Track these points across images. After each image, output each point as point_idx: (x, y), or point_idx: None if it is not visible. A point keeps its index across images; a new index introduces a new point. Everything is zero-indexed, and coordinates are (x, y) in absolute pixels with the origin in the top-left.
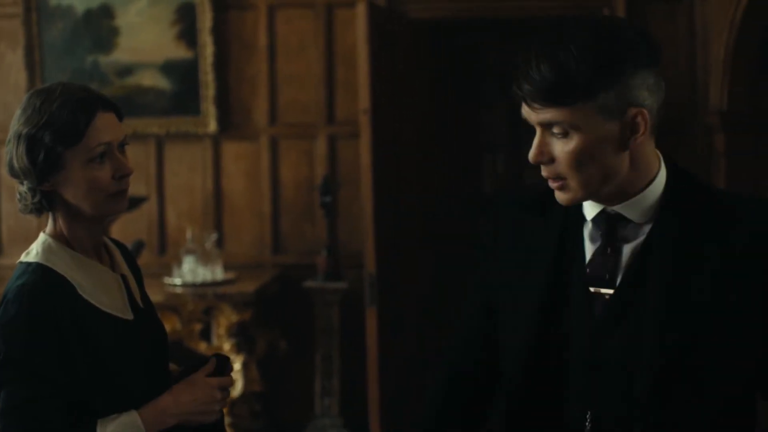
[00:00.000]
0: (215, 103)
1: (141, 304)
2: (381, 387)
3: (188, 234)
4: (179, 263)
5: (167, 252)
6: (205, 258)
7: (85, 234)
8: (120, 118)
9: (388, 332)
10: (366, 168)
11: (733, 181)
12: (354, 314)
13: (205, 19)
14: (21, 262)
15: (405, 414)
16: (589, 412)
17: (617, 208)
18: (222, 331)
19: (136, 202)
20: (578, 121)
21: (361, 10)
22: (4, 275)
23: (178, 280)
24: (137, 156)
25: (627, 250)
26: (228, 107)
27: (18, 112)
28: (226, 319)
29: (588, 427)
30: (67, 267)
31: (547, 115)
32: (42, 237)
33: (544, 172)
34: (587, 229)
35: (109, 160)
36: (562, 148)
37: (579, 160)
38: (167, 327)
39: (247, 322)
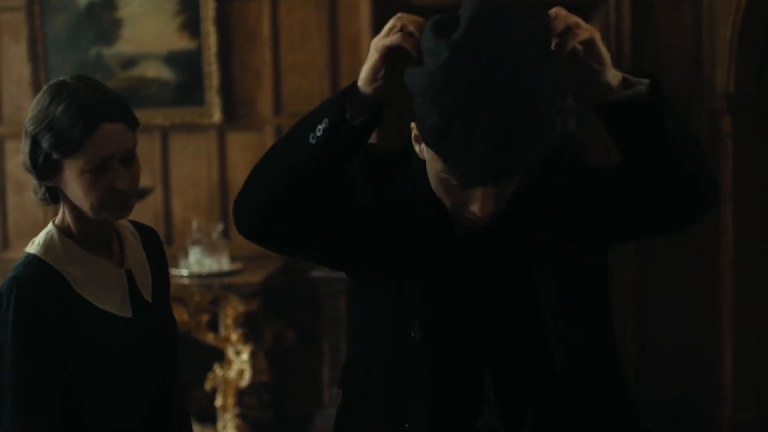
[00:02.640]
0: (219, 94)
1: (149, 299)
2: None
3: (194, 225)
4: (185, 254)
5: (173, 243)
6: (211, 249)
7: (89, 228)
8: (132, 126)
9: None
10: None
11: (739, 164)
12: None
13: (208, 9)
14: (25, 253)
15: None
16: (485, 365)
17: None
18: (229, 321)
19: (141, 194)
20: None
21: None
22: (10, 269)
23: (184, 271)
24: (142, 147)
25: None
26: (232, 97)
27: (33, 102)
28: (233, 309)
29: (487, 380)
30: (64, 261)
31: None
32: (48, 227)
33: (486, 206)
34: None
35: (106, 171)
36: (509, 186)
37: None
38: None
39: (254, 312)
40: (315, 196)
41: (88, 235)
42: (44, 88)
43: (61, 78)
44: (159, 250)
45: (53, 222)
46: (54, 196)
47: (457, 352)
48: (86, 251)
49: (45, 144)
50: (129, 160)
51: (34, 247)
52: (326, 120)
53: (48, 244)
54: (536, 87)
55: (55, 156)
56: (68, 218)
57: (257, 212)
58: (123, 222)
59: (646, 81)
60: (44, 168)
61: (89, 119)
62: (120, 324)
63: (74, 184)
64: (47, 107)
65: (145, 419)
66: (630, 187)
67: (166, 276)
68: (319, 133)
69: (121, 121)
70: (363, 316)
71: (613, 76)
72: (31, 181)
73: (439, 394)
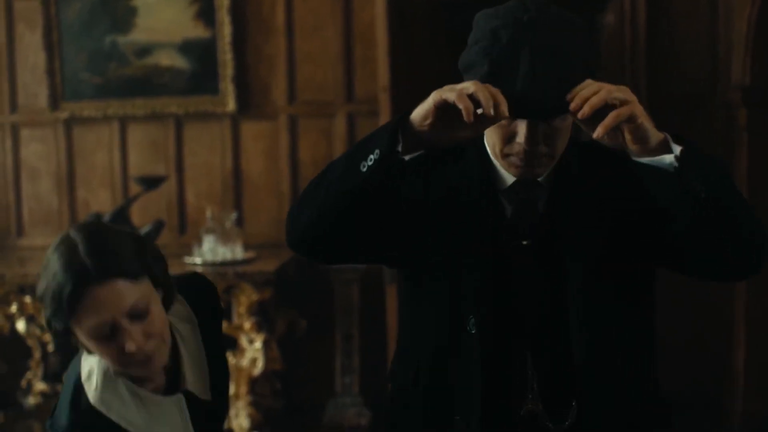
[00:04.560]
0: (234, 83)
1: (208, 397)
2: None
3: (208, 213)
4: (199, 243)
5: (187, 231)
6: (225, 237)
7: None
8: (136, 276)
9: None
10: None
11: (754, 157)
12: (374, 293)
13: None
14: (76, 386)
15: None
16: (528, 353)
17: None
18: (242, 309)
19: (155, 182)
20: None
21: None
22: (24, 256)
23: (198, 260)
24: (156, 136)
25: (539, 204)
26: (246, 86)
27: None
28: (246, 298)
29: (530, 368)
30: (121, 407)
31: (555, 121)
32: (102, 363)
33: (524, 154)
34: (501, 193)
35: (116, 333)
36: (556, 127)
37: (563, 140)
38: None
39: (267, 301)
40: (366, 216)
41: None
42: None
43: (69, 231)
44: (214, 305)
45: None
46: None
47: (507, 342)
48: (142, 389)
49: (47, 312)
50: (139, 315)
51: (91, 388)
52: (377, 151)
53: (105, 388)
54: (573, 51)
55: (56, 323)
56: None
57: (309, 230)
58: None
59: (676, 149)
60: (56, 332)
61: (75, 283)
62: None
63: (91, 348)
64: (46, 266)
65: None
66: (671, 237)
67: (219, 329)
68: (370, 163)
69: (118, 278)
70: (415, 310)
71: (655, 139)
72: None
73: (489, 385)
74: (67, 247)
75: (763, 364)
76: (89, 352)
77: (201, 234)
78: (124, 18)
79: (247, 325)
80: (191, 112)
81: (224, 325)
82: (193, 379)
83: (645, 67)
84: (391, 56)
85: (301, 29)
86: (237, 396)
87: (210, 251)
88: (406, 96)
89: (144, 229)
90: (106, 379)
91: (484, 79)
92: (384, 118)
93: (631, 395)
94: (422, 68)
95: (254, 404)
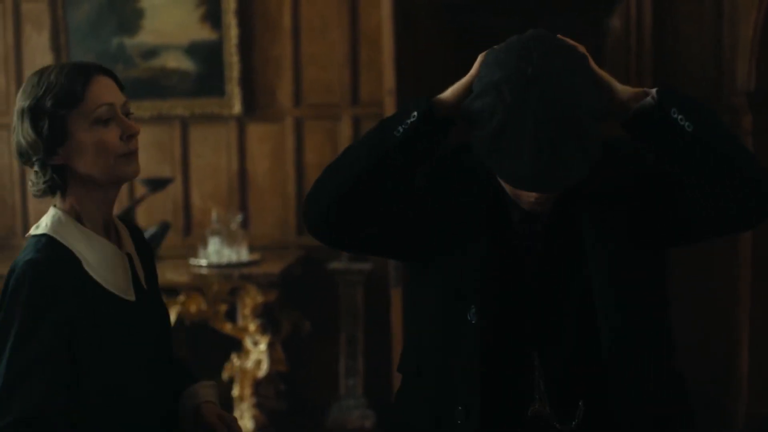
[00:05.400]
0: (240, 85)
1: (144, 286)
2: None
3: (213, 215)
4: (204, 244)
5: (192, 233)
6: (230, 239)
7: (95, 209)
8: (121, 88)
9: None
10: None
11: (759, 162)
12: (378, 295)
13: (230, 1)
14: (31, 236)
15: None
16: (536, 353)
17: None
18: (247, 311)
19: (161, 184)
20: None
21: None
22: None
23: (203, 261)
24: (162, 138)
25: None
26: (252, 89)
27: (18, 94)
28: (251, 299)
29: (537, 368)
30: (75, 240)
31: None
32: (52, 210)
33: (538, 200)
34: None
35: (114, 122)
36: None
37: None
38: (193, 308)
39: (272, 303)
40: (386, 190)
41: (93, 217)
42: (27, 77)
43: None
44: (144, 242)
45: (54, 206)
46: (61, 177)
47: (510, 337)
48: (94, 233)
49: (48, 105)
50: (126, 114)
51: (42, 228)
52: (415, 113)
53: (57, 224)
54: (577, 102)
55: (61, 112)
56: (72, 200)
57: (328, 205)
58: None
59: (653, 91)
60: (51, 133)
61: (83, 71)
62: (125, 307)
63: (84, 144)
64: (38, 81)
65: (146, 401)
66: (683, 191)
67: (154, 267)
68: (405, 127)
69: (111, 78)
70: (420, 299)
71: (624, 92)
72: (30, 175)
73: (492, 378)
74: (55, 65)
75: (766, 367)
76: (57, 188)
77: (206, 236)
78: (131, 20)
79: (251, 326)
80: (197, 114)
81: (229, 326)
82: (132, 256)
83: (650, 71)
84: (396, 59)
85: (307, 32)
86: (241, 397)
87: (215, 253)
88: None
89: (150, 231)
90: (58, 220)
91: (489, 147)
92: None
93: (646, 394)
94: (428, 71)
95: (258, 406)
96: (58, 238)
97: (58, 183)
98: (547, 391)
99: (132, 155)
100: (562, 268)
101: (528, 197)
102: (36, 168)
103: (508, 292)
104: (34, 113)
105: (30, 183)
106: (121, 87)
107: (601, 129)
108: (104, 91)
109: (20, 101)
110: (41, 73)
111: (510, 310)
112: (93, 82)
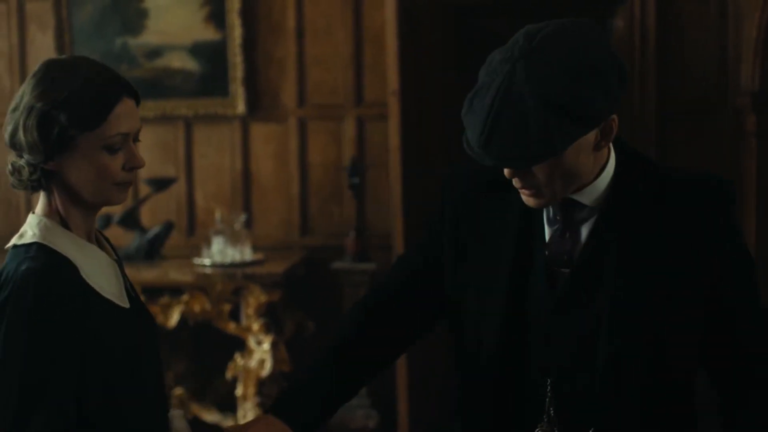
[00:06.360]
0: (244, 85)
1: (132, 293)
2: (409, 368)
3: (217, 215)
4: (208, 244)
5: (196, 233)
6: (234, 239)
7: (80, 217)
8: (138, 104)
9: None
10: (394, 149)
11: (763, 163)
12: None
13: (234, 1)
14: (16, 246)
15: (433, 395)
16: (549, 380)
17: (573, 196)
18: (251, 311)
19: (165, 184)
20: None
21: None
22: None
23: (207, 261)
24: (166, 138)
25: (584, 231)
26: (256, 89)
27: (31, 81)
28: (255, 299)
29: (549, 395)
30: (66, 248)
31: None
32: (35, 218)
33: (518, 183)
34: (545, 213)
35: (122, 150)
36: (542, 168)
37: (560, 175)
38: (197, 307)
39: (276, 302)
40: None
41: (79, 224)
42: (44, 64)
43: (57, 57)
44: (114, 249)
45: (34, 213)
46: (48, 180)
47: (525, 364)
48: (84, 240)
49: (63, 118)
50: (136, 140)
51: (29, 236)
52: None
53: (46, 232)
54: (552, 89)
55: (72, 131)
56: (58, 206)
57: None
58: None
59: None
60: (57, 144)
61: (112, 93)
62: (122, 314)
63: (86, 163)
64: (60, 83)
65: (148, 406)
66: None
67: (126, 277)
68: None
69: (134, 99)
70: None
71: None
72: (14, 163)
73: (504, 397)
74: (85, 69)
75: None
76: (40, 188)
77: (210, 235)
78: (135, 20)
79: (255, 326)
80: (201, 114)
81: (233, 326)
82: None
83: (654, 71)
84: (400, 60)
85: (311, 32)
86: (245, 397)
87: (219, 253)
88: (415, 100)
89: (153, 231)
90: (45, 227)
91: (466, 107)
92: (393, 121)
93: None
94: (432, 72)
95: (262, 405)
96: (50, 245)
97: (44, 185)
98: (558, 417)
99: (128, 185)
100: (583, 308)
101: (516, 185)
102: (23, 163)
103: (527, 323)
104: (44, 118)
105: (9, 169)
106: (138, 103)
107: (577, 133)
108: (123, 120)
109: (32, 96)
110: (64, 72)
111: (526, 340)
112: (118, 107)
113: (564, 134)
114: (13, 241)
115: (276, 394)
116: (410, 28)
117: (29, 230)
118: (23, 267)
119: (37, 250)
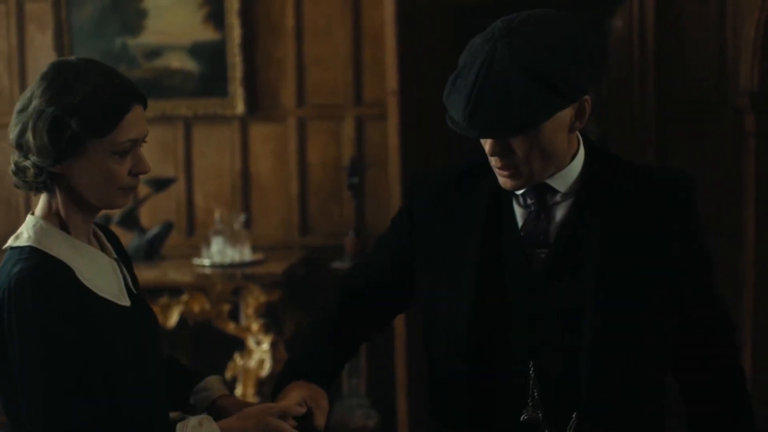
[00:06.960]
0: (243, 85)
1: (134, 290)
2: (408, 368)
3: (216, 215)
4: (208, 244)
5: (195, 233)
6: (233, 239)
7: (80, 219)
8: (146, 108)
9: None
10: (394, 149)
11: (762, 163)
12: None
13: (233, 1)
14: (11, 248)
15: None
16: (531, 362)
17: (547, 181)
18: (250, 311)
19: (164, 184)
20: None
21: None
22: None
23: (206, 261)
24: (165, 138)
25: (558, 213)
26: (256, 89)
27: (41, 83)
28: (254, 299)
29: (532, 377)
30: (61, 250)
31: (515, 140)
32: (32, 219)
33: (497, 162)
34: (515, 199)
35: (130, 155)
36: (522, 143)
37: (538, 152)
38: (196, 307)
39: (276, 302)
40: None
41: (78, 225)
42: (52, 66)
43: (65, 58)
44: (121, 246)
45: (33, 214)
46: (51, 184)
47: (505, 347)
48: (80, 241)
49: (74, 124)
50: (142, 144)
51: (23, 239)
52: None
53: (40, 235)
54: (534, 64)
55: (83, 137)
56: (59, 208)
57: None
58: None
59: None
60: (66, 148)
61: (124, 100)
62: (122, 313)
63: (94, 168)
64: (71, 87)
65: (150, 404)
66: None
67: (132, 270)
68: None
69: (143, 105)
70: (426, 305)
71: None
72: (18, 163)
73: (485, 381)
74: (96, 74)
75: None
76: (44, 189)
77: (209, 236)
78: (134, 20)
79: (254, 326)
80: (200, 115)
81: (232, 326)
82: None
83: (653, 71)
84: (399, 60)
85: (310, 32)
86: (244, 397)
87: (218, 253)
88: (415, 100)
89: (153, 231)
90: (41, 230)
91: (448, 88)
92: (392, 121)
93: (635, 413)
94: (431, 72)
95: None
96: (43, 248)
97: (49, 186)
98: (542, 400)
99: (132, 189)
100: (563, 287)
101: (494, 165)
102: (28, 164)
103: (505, 306)
104: (56, 124)
105: (13, 169)
106: (146, 108)
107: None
108: (133, 127)
109: (44, 101)
110: (75, 76)
111: (505, 323)
112: (129, 114)
113: (545, 104)
114: (9, 242)
115: (279, 374)
116: (410, 28)
117: (25, 232)
118: (15, 269)
119: (29, 252)
